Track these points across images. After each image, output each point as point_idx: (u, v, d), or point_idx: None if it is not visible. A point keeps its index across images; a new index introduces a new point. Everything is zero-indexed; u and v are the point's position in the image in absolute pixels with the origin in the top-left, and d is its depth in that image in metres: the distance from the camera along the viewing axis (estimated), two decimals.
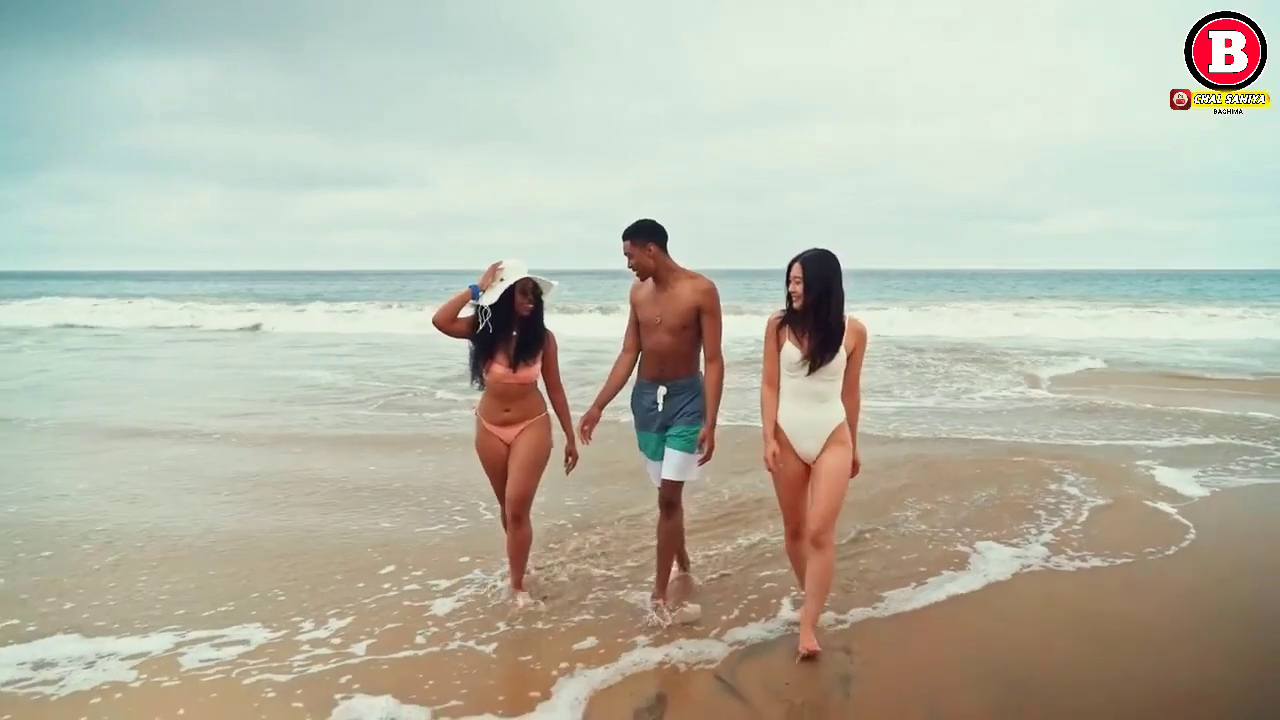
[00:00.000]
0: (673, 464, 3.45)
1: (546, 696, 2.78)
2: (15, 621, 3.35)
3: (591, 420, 3.58)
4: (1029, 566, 4.02)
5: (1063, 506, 4.97)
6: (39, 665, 3.00)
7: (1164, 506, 5.01)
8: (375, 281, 63.35)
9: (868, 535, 4.46)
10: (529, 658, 3.09)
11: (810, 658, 3.05)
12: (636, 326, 3.59)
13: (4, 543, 4.31)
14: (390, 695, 2.75)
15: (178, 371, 12.23)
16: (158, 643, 3.17)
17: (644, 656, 3.08)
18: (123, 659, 3.05)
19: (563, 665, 3.00)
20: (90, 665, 3.00)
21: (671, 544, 3.54)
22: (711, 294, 3.43)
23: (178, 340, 17.68)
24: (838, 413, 3.23)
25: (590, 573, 3.91)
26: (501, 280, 3.44)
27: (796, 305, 3.18)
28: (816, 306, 3.12)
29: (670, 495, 3.50)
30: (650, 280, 3.50)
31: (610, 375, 3.62)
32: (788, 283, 3.21)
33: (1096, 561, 4.09)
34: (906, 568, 3.99)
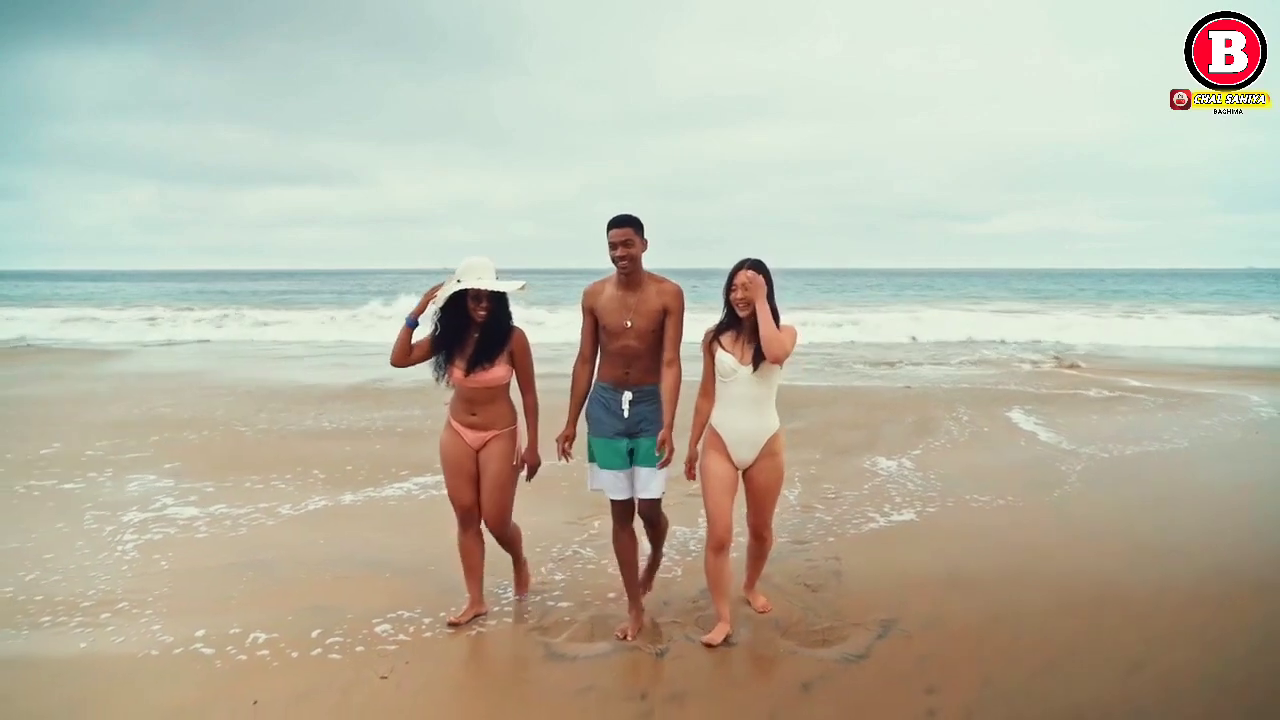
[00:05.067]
0: (656, 482, 3.40)
1: None
2: None
3: (569, 438, 3.54)
4: (923, 483, 5.95)
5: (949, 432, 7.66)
6: None
7: (1035, 440, 7.39)
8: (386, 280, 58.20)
9: (826, 466, 6.25)
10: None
11: (764, 612, 3.65)
12: (594, 333, 3.47)
13: None
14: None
15: None
16: None
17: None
18: None
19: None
20: None
21: (661, 540, 3.71)
22: (680, 296, 3.39)
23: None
24: (773, 421, 3.38)
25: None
26: (458, 281, 3.34)
27: (744, 313, 3.27)
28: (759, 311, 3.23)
29: (650, 512, 3.49)
30: (610, 284, 3.42)
31: (573, 388, 3.54)
32: (729, 289, 3.29)
33: (1007, 498, 5.56)
34: (859, 492, 5.65)
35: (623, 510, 3.51)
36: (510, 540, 3.72)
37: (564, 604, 3.88)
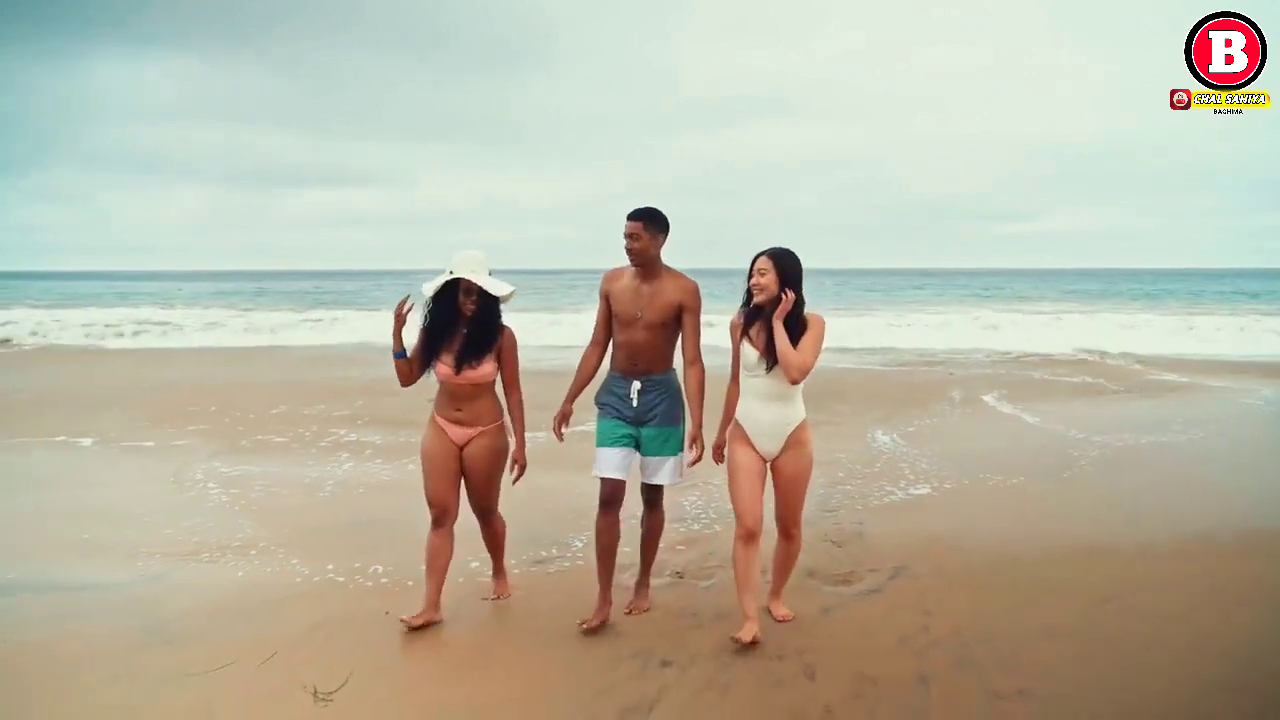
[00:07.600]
0: (665, 470, 3.49)
1: None
2: None
3: (564, 417, 3.54)
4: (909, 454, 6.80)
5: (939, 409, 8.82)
6: None
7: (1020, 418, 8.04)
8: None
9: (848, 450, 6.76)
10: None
11: (785, 621, 3.56)
12: (607, 319, 3.48)
13: None
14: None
15: None
16: None
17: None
18: None
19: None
20: None
21: (656, 537, 3.66)
22: (696, 293, 3.40)
23: None
24: (798, 412, 3.32)
25: None
26: (450, 271, 3.33)
27: (760, 299, 3.22)
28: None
29: (652, 496, 3.57)
30: (628, 273, 3.43)
31: (579, 369, 3.56)
32: (750, 276, 3.25)
33: (1008, 477, 6.21)
34: (881, 469, 6.32)
35: (613, 492, 3.50)
36: (496, 533, 3.78)
37: (625, 549, 4.60)
